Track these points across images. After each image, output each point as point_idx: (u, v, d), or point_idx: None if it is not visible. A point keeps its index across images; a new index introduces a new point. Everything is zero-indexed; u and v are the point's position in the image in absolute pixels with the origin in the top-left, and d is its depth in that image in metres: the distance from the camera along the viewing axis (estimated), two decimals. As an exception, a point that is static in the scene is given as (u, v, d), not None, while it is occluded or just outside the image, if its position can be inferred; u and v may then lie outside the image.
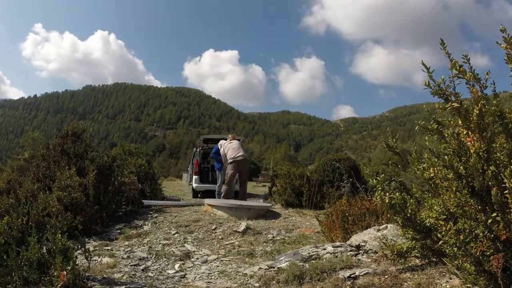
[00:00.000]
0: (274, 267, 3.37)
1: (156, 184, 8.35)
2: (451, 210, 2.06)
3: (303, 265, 3.12)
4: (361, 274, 2.66)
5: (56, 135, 5.96)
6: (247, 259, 4.10)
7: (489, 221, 1.89)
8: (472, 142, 2.01)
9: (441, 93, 2.08)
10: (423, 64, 2.13)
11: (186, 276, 3.59)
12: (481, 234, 1.92)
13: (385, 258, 2.89)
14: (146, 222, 5.40)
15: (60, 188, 4.68)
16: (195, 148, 12.93)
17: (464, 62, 2.03)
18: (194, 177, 10.77)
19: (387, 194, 2.52)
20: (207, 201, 6.79)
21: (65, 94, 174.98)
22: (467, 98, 2.10)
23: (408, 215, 2.47)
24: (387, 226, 3.49)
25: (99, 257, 3.79)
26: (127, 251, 4.13)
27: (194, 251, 4.35)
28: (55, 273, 2.48)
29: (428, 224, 2.33)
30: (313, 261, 3.17)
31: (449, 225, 2.02)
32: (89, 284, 2.85)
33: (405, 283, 2.39)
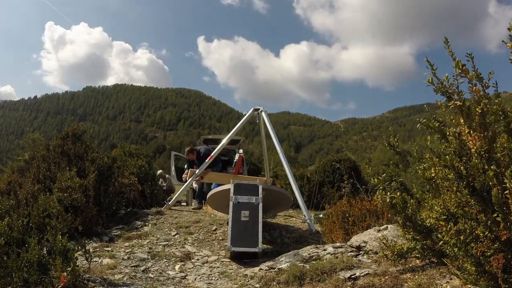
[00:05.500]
0: (275, 268, 3.36)
1: (156, 185, 8.34)
2: (452, 210, 2.06)
3: (303, 266, 3.12)
4: (361, 274, 2.66)
5: (57, 136, 5.95)
6: (247, 259, 4.10)
7: (490, 221, 1.89)
8: (473, 142, 2.00)
9: (444, 91, 2.08)
10: (428, 61, 2.13)
11: (186, 277, 3.59)
12: (481, 234, 1.91)
13: (385, 258, 2.89)
14: (147, 223, 5.40)
15: (60, 189, 4.67)
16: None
17: (467, 61, 2.03)
18: None
19: (388, 194, 2.52)
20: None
21: (65, 95, 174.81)
22: (468, 98, 2.09)
23: (409, 215, 2.47)
24: (387, 226, 3.49)
25: (99, 258, 3.79)
26: (127, 252, 4.12)
27: (194, 252, 4.35)
28: (56, 274, 2.48)
29: (429, 225, 2.33)
30: (314, 262, 3.17)
31: (449, 226, 2.01)
32: (89, 285, 2.85)
33: (406, 284, 2.39)
